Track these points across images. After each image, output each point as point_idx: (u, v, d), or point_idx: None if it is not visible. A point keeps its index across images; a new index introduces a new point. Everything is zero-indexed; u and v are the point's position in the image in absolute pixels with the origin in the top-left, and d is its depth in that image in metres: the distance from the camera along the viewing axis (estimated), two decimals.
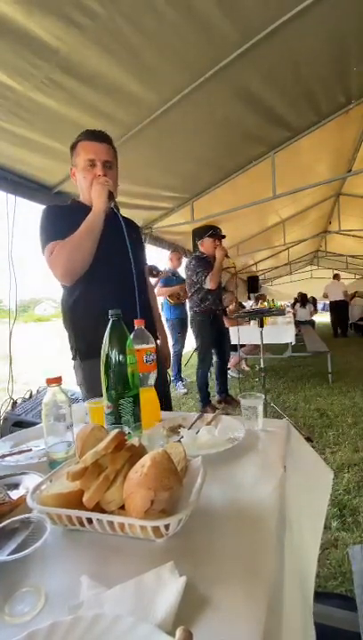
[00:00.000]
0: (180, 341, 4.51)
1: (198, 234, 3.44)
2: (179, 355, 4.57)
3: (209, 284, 3.17)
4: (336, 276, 9.84)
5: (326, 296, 9.81)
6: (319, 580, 1.38)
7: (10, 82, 1.67)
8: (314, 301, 10.52)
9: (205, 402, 3.50)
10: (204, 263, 3.26)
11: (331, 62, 2.48)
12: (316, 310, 10.79)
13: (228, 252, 3.30)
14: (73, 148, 1.37)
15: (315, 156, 4.03)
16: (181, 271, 4.33)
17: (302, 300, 9.91)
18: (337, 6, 1.96)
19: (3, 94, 1.73)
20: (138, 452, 0.61)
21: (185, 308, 4.49)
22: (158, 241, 4.35)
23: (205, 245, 3.32)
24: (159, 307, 4.52)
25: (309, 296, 10.33)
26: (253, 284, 9.77)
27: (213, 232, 3.28)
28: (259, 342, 3.09)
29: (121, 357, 0.81)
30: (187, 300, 3.51)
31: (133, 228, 1.46)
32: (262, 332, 3.04)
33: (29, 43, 1.52)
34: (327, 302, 10.23)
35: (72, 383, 1.41)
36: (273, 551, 0.51)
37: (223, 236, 3.34)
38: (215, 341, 3.53)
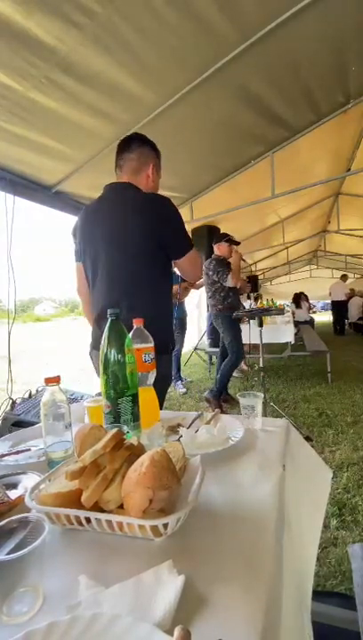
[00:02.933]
0: (179, 341, 4.50)
1: (201, 235, 3.58)
2: (178, 354, 4.56)
3: (230, 282, 3.40)
4: (343, 277, 9.94)
5: (330, 295, 9.92)
6: (319, 579, 1.38)
7: (9, 81, 1.67)
8: (306, 299, 10.51)
9: (219, 394, 3.58)
10: (223, 264, 3.50)
11: (330, 62, 2.48)
12: (310, 308, 10.77)
13: (243, 256, 3.60)
14: (158, 151, 1.48)
15: (314, 156, 4.03)
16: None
17: (296, 300, 9.88)
18: (335, 6, 1.96)
19: (2, 94, 1.73)
20: (137, 452, 0.61)
21: (184, 308, 4.48)
22: None
23: (222, 249, 3.56)
24: None
25: (304, 296, 10.30)
26: (252, 284, 9.76)
27: (231, 238, 3.59)
28: (258, 342, 3.09)
29: (120, 357, 0.81)
30: (208, 300, 3.71)
31: None
32: (261, 332, 3.04)
33: (28, 42, 1.52)
34: (328, 301, 10.32)
35: (70, 383, 1.40)
36: (272, 550, 0.51)
37: (238, 243, 3.63)
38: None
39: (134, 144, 1.42)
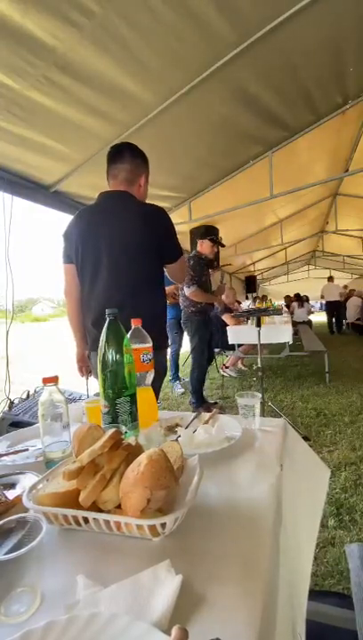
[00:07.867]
0: (177, 341, 4.49)
1: (198, 233, 3.47)
2: (176, 354, 4.56)
3: (190, 293, 3.21)
4: (330, 279, 9.94)
5: (322, 297, 9.95)
6: (317, 579, 1.38)
7: (6, 80, 1.67)
8: (307, 300, 10.55)
9: (200, 403, 3.47)
10: (200, 267, 3.27)
11: (328, 63, 2.49)
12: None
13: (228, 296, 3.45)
14: (147, 162, 1.56)
15: (312, 156, 4.04)
16: None
17: (299, 299, 9.91)
18: (333, 7, 1.97)
19: None
20: (135, 452, 0.61)
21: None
22: None
23: (204, 247, 3.35)
24: None
25: (302, 295, 10.36)
26: (250, 284, 9.79)
27: (215, 237, 3.35)
28: (256, 342, 3.09)
29: (118, 357, 0.81)
30: (180, 299, 3.50)
31: None
32: (259, 332, 3.04)
33: (26, 41, 1.52)
34: (324, 302, 10.35)
35: (68, 383, 1.41)
36: (269, 550, 0.51)
37: (223, 245, 3.46)
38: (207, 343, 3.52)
39: (127, 155, 1.48)
